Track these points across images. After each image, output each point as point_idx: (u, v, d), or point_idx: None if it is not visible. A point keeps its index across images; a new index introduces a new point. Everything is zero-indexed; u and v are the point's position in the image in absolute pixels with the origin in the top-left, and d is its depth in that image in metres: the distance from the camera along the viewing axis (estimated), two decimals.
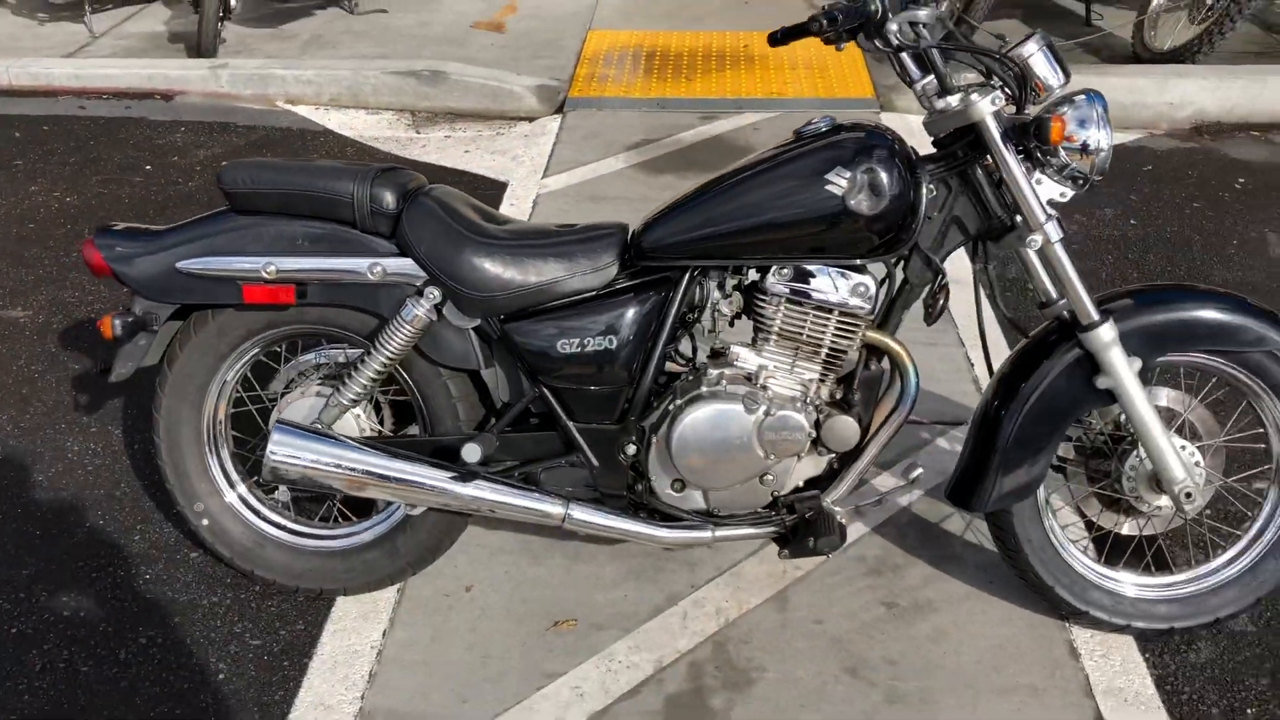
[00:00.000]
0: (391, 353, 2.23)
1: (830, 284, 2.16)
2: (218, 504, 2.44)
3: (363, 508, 2.53)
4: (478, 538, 2.65)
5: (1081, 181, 2.15)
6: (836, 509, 2.29)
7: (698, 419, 2.21)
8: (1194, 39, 5.31)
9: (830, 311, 2.18)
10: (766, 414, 2.20)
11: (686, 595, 2.50)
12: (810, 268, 2.16)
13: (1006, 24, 6.17)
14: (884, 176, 2.07)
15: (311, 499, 2.58)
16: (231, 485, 2.46)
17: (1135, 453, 2.27)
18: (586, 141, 4.89)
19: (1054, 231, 2.12)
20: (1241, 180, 4.58)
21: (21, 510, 2.79)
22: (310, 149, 4.92)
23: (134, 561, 2.62)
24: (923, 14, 2.05)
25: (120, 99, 5.36)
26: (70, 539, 2.70)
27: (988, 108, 2.07)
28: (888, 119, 5.01)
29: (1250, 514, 2.39)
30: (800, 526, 2.29)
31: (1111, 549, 2.46)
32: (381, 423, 2.47)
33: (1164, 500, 2.28)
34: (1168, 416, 2.33)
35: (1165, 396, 2.38)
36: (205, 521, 2.44)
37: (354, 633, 2.42)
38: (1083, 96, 2.12)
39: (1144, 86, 5.14)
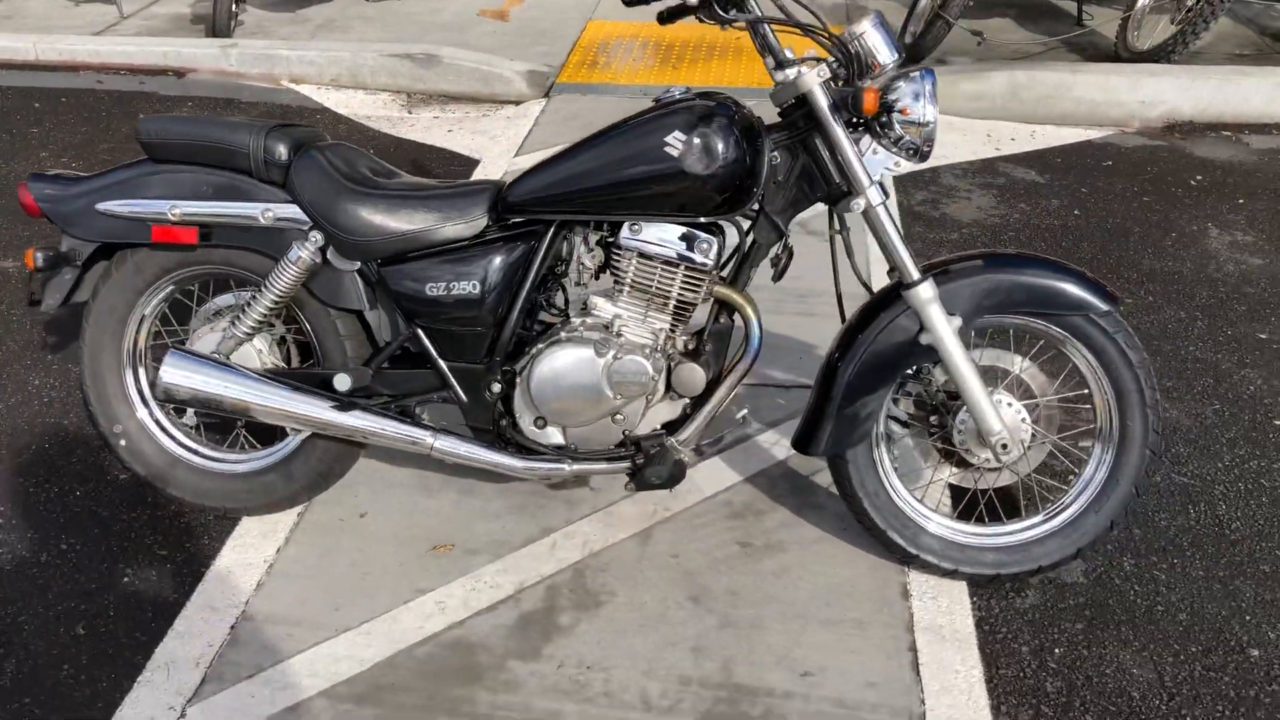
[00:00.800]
0: (280, 291, 2.46)
1: (676, 240, 2.36)
2: (134, 425, 2.69)
3: (267, 437, 2.77)
4: (380, 473, 2.89)
5: (913, 152, 2.31)
6: (680, 449, 2.48)
7: (554, 360, 2.42)
8: (1169, 39, 5.37)
9: (676, 266, 2.37)
10: (615, 358, 2.39)
11: (560, 529, 2.71)
12: (660, 224, 2.36)
13: (999, 22, 6.27)
14: (718, 141, 2.25)
15: (221, 426, 2.82)
16: (145, 404, 2.70)
17: (966, 408, 2.43)
18: (565, 124, 5.10)
19: (875, 195, 2.29)
20: (1199, 177, 4.66)
21: None
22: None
23: (68, 480, 2.90)
24: None
25: (136, 75, 5.68)
26: (16, 459, 2.98)
27: (814, 80, 2.25)
28: None
29: (1076, 470, 2.54)
30: (647, 463, 2.49)
31: (971, 504, 2.62)
32: (288, 359, 2.71)
33: (990, 453, 2.44)
34: (1002, 376, 2.50)
35: (1017, 363, 2.54)
36: (123, 442, 2.70)
37: (251, 548, 2.66)
38: (917, 73, 2.30)
39: (1117, 84, 5.22)
